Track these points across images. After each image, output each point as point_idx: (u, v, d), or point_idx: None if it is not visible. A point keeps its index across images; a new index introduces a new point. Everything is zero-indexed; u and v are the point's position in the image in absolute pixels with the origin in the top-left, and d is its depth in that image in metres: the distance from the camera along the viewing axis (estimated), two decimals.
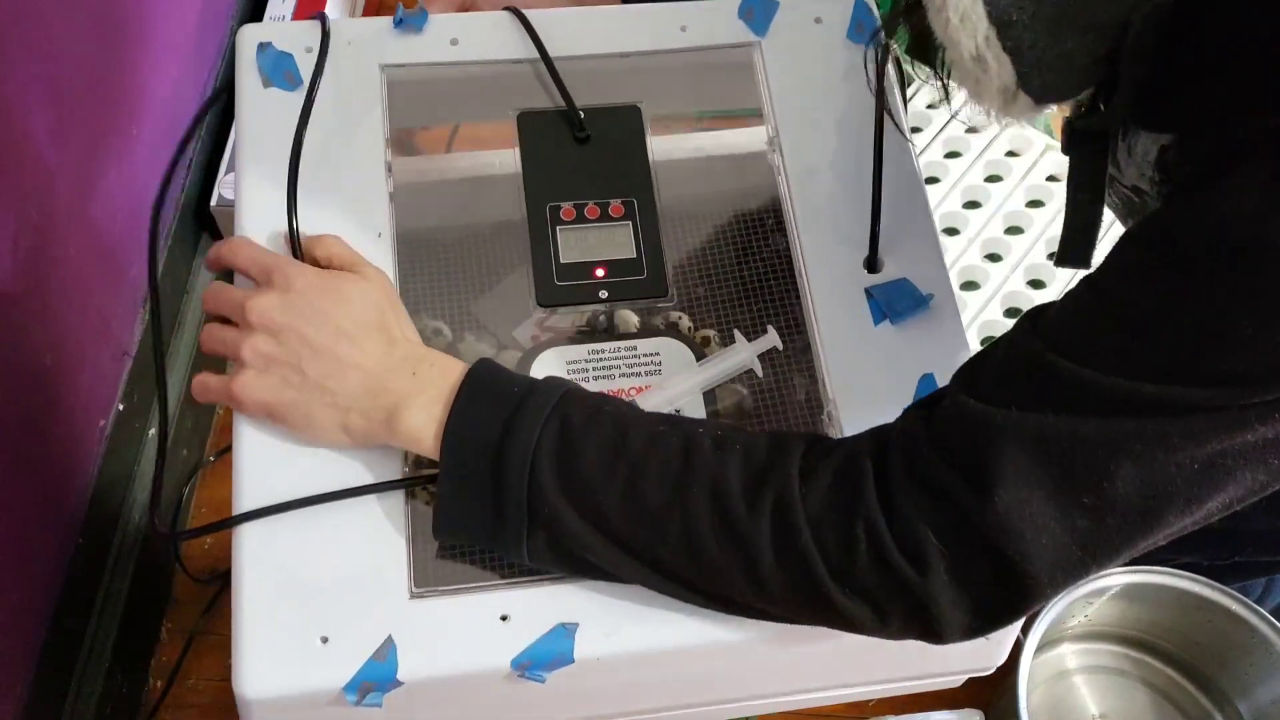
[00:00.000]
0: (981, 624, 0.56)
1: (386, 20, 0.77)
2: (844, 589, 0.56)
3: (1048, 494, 0.53)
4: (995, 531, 0.53)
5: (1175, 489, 0.51)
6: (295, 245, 0.68)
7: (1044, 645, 1.05)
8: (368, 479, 0.64)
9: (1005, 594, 0.55)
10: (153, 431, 1.13)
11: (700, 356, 0.72)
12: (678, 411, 0.70)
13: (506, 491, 0.59)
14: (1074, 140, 0.60)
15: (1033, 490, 0.53)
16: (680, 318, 0.75)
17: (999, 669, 0.74)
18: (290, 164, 0.70)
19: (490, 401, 0.60)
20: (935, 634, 0.57)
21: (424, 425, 0.61)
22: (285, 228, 0.69)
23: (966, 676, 0.76)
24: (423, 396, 0.61)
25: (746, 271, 0.75)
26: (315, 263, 0.67)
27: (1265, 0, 0.49)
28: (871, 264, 0.73)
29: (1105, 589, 1.05)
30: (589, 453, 0.58)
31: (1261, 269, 0.48)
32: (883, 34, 0.65)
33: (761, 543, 0.56)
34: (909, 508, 0.55)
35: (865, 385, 0.70)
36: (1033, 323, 0.57)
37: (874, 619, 0.57)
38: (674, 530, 0.57)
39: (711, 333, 0.75)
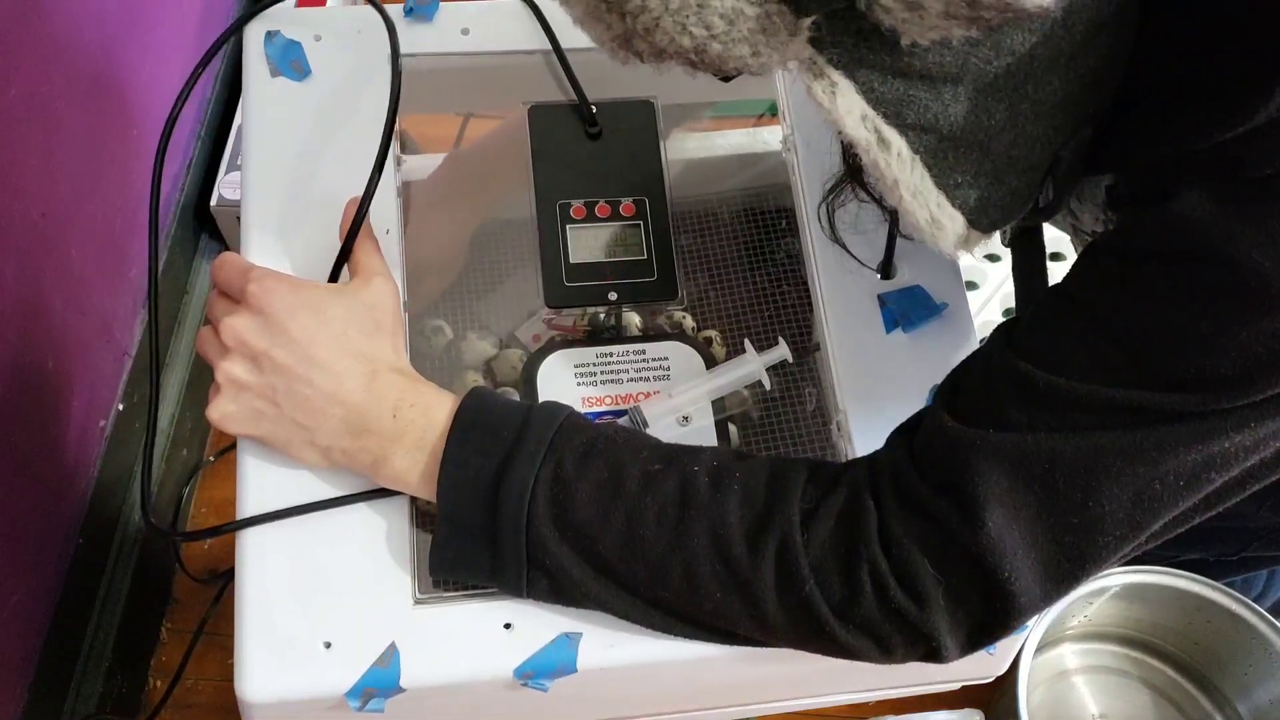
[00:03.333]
0: (978, 640, 0.57)
1: (396, 9, 0.75)
2: (848, 627, 0.56)
3: (1033, 515, 0.53)
4: (985, 554, 0.53)
5: (1161, 504, 0.52)
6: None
7: (1044, 645, 1.06)
8: (373, 484, 0.63)
9: (998, 612, 0.55)
10: None
11: (708, 360, 0.71)
12: (685, 418, 0.69)
13: (504, 541, 0.58)
14: (1012, 239, 0.67)
15: (1018, 512, 0.53)
16: (684, 317, 0.74)
17: None
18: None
19: (482, 445, 0.59)
20: (937, 657, 0.57)
21: (408, 470, 0.60)
22: (291, 221, 0.67)
23: (964, 684, 0.76)
24: (405, 441, 0.60)
25: (758, 274, 0.74)
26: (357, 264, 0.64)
27: (1174, 41, 0.51)
28: (886, 270, 0.72)
29: (1105, 589, 1.05)
30: (585, 500, 0.58)
31: (1214, 272, 0.49)
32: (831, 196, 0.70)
33: (765, 588, 0.56)
34: (902, 534, 0.55)
35: (876, 394, 0.69)
36: (1006, 336, 0.57)
37: (877, 650, 0.57)
38: (675, 575, 0.57)
39: (714, 333, 0.74)
